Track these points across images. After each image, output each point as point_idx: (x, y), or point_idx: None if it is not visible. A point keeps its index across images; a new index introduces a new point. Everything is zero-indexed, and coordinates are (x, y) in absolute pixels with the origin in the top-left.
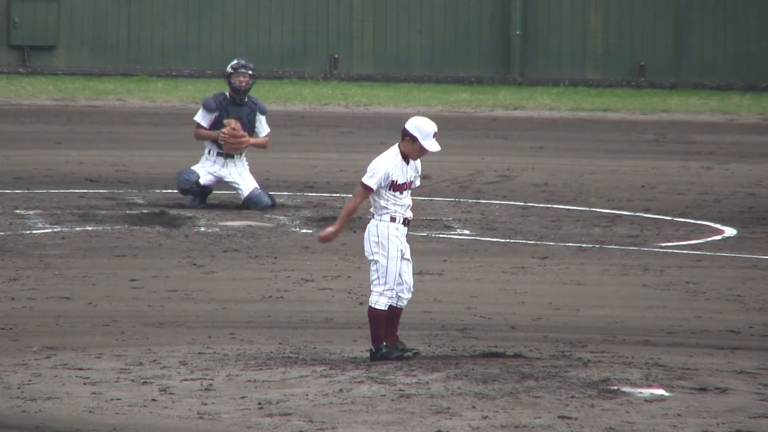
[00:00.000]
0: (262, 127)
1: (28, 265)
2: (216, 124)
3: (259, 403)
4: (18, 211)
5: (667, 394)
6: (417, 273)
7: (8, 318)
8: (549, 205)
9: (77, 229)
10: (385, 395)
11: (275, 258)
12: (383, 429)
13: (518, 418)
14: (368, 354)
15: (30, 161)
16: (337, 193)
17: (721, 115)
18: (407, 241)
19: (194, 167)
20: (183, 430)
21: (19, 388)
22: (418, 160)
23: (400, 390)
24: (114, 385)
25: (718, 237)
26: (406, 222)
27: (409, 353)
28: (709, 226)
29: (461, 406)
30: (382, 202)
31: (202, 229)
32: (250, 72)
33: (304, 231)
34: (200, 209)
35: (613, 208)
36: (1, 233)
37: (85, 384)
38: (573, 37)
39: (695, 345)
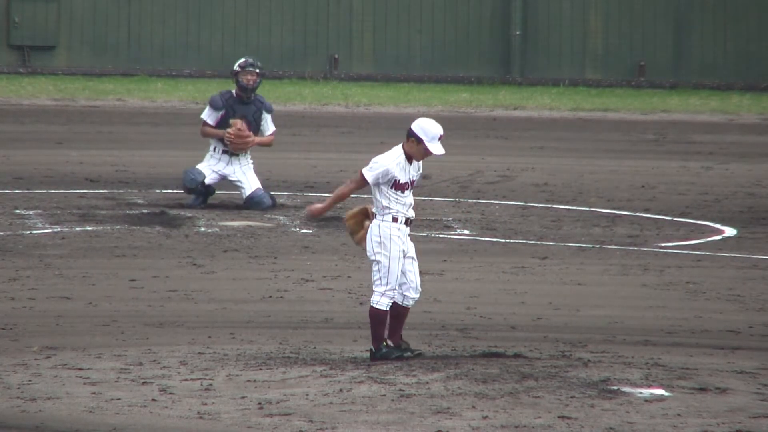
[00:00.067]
0: (268, 126)
1: (28, 265)
2: (222, 122)
3: (259, 403)
4: (18, 211)
5: (667, 394)
6: None
7: (8, 318)
8: (549, 205)
9: (77, 229)
10: (385, 395)
11: (275, 258)
12: (383, 429)
13: (518, 418)
14: (368, 354)
15: (30, 161)
16: None
17: (721, 115)
18: (411, 240)
19: (199, 166)
20: (183, 430)
21: (19, 388)
22: None
23: (400, 390)
24: (114, 385)
25: (718, 237)
26: (408, 222)
27: (409, 353)
28: (709, 226)
29: (461, 406)
30: (384, 202)
31: (202, 229)
32: (258, 71)
33: (304, 231)
34: (200, 209)
35: (613, 208)
36: (1, 233)
37: (85, 384)
38: (573, 37)
39: (695, 345)
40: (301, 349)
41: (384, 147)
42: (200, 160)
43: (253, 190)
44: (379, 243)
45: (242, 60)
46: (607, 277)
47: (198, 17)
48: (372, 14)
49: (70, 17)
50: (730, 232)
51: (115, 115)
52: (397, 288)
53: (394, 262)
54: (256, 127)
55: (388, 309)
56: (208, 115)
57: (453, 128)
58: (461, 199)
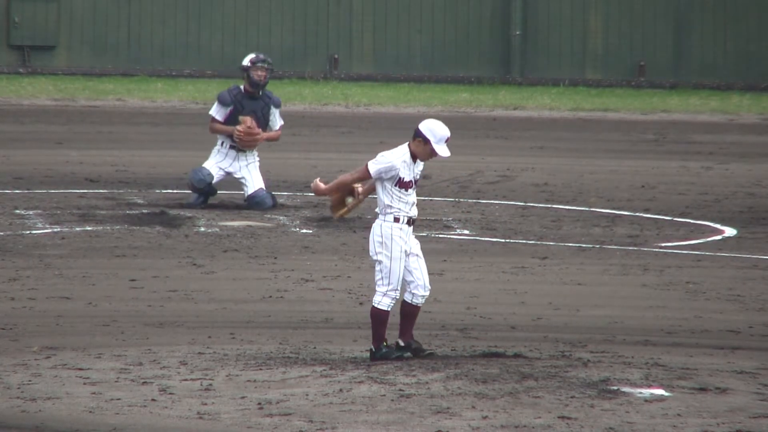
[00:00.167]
0: (276, 120)
1: (28, 265)
2: (231, 118)
3: (259, 403)
4: (18, 211)
5: (667, 394)
6: None
7: (8, 318)
8: (549, 205)
9: (77, 229)
10: (385, 395)
11: (275, 258)
12: (383, 429)
13: (518, 418)
14: (368, 354)
15: (30, 161)
16: None
17: (721, 115)
18: (417, 237)
19: (206, 163)
20: (183, 430)
21: (19, 388)
22: None
23: (400, 390)
24: (114, 385)
25: (718, 237)
26: (410, 221)
27: (409, 354)
28: (709, 226)
29: (461, 406)
30: (387, 200)
31: (202, 229)
32: (268, 66)
33: (304, 231)
34: (200, 209)
35: (613, 208)
36: (1, 233)
37: (85, 384)
38: (573, 37)
39: (695, 345)
40: (301, 349)
41: (384, 147)
42: (201, 160)
43: (255, 189)
44: (381, 243)
45: (253, 56)
46: (607, 277)
47: (198, 17)
48: (372, 14)
49: (70, 17)
50: (730, 232)
51: (115, 115)
52: (399, 288)
53: (395, 263)
54: (264, 122)
55: (389, 309)
56: (217, 111)
57: (453, 128)
58: (461, 199)
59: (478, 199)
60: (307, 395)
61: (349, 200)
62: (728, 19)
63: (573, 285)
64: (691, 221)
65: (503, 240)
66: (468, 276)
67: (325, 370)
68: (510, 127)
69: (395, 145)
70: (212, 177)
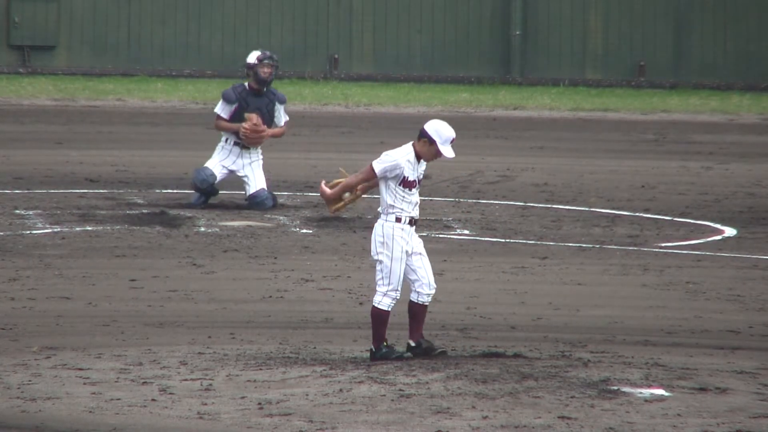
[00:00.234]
0: (281, 116)
1: (28, 265)
2: (236, 115)
3: (259, 403)
4: (18, 211)
5: (667, 394)
6: None
7: (8, 318)
8: (549, 205)
9: (77, 229)
10: (385, 395)
11: (275, 258)
12: (383, 429)
13: (518, 418)
14: (368, 354)
15: (30, 161)
16: None
17: (721, 115)
18: (420, 236)
19: (209, 162)
20: (183, 430)
21: (19, 388)
22: None
23: (400, 390)
24: (114, 385)
25: (718, 237)
26: (412, 222)
27: (409, 354)
28: (709, 226)
29: (461, 406)
30: (389, 200)
31: (202, 229)
32: (274, 63)
33: (304, 231)
34: (200, 209)
35: (613, 208)
36: (1, 233)
37: (85, 384)
38: (573, 37)
39: (695, 345)
40: (301, 349)
41: (384, 147)
42: (201, 160)
43: (257, 189)
44: (382, 243)
45: (259, 53)
46: (607, 277)
47: (198, 17)
48: (372, 14)
49: (70, 17)
50: (730, 232)
51: (115, 115)
52: (399, 288)
53: (396, 263)
54: (269, 119)
55: (389, 309)
56: (222, 109)
57: (453, 128)
58: (461, 199)
59: (478, 199)
60: (307, 395)
61: (346, 195)
62: (728, 19)
63: (573, 285)
64: (691, 221)
65: (503, 240)
66: (468, 276)
67: (325, 370)
68: (510, 127)
69: (395, 145)
70: (215, 177)
